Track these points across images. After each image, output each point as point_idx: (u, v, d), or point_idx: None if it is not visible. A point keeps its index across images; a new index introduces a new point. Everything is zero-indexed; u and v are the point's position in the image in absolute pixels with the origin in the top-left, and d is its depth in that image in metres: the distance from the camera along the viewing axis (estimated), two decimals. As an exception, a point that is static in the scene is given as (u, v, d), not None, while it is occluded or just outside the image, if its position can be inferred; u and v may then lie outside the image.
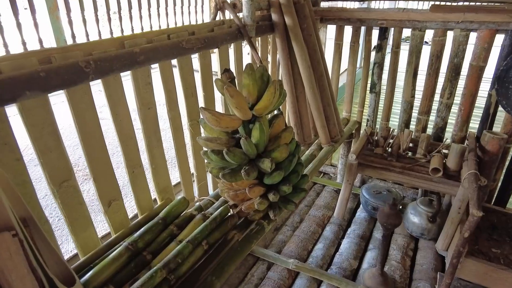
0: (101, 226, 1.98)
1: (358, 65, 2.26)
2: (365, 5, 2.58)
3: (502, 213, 1.71)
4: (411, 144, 1.86)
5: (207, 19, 5.31)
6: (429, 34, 1.85)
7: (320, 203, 2.11)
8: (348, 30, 2.07)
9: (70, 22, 3.24)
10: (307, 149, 1.76)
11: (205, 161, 1.14)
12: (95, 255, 1.06)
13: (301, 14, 1.60)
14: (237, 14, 1.45)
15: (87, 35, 3.48)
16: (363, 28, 2.07)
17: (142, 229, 1.10)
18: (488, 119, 1.76)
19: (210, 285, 0.99)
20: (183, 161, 1.40)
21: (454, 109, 1.85)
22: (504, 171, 1.83)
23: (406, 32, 1.92)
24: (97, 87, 1.06)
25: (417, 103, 1.97)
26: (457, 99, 1.82)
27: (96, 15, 3.48)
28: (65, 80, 0.84)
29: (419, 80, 1.92)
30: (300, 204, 2.12)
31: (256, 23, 1.51)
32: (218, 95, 1.41)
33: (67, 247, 1.84)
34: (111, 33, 3.72)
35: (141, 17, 4.05)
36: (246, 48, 1.99)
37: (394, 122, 2.13)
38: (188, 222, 1.18)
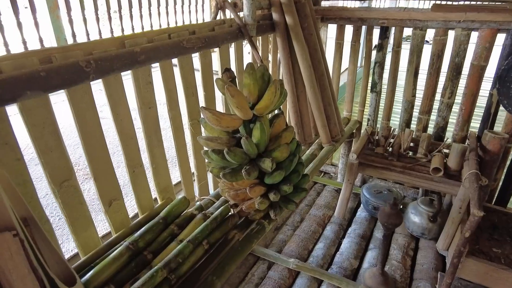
0: (102, 225, 1.98)
1: (358, 64, 2.26)
2: (366, 4, 2.58)
3: (503, 213, 1.71)
4: (412, 144, 1.86)
5: (207, 18, 5.30)
6: (430, 33, 1.84)
7: (320, 202, 2.11)
8: (349, 29, 2.06)
9: (71, 21, 3.24)
10: (308, 148, 1.76)
11: (206, 160, 1.14)
12: (96, 254, 1.06)
13: (302, 13, 1.60)
14: (238, 13, 1.44)
15: (88, 34, 3.47)
16: (364, 27, 2.06)
17: (143, 228, 1.10)
18: (489, 119, 1.76)
19: (210, 285, 0.99)
20: (184, 161, 1.40)
21: (455, 108, 1.85)
22: (505, 170, 1.83)
23: (407, 31, 1.91)
24: (97, 86, 1.05)
25: (418, 102, 1.97)
26: (458, 99, 1.81)
27: (97, 14, 3.48)
28: (66, 80, 0.84)
29: (420, 80, 1.91)
30: (301, 204, 2.12)
31: (257, 22, 1.51)
32: (218, 95, 1.41)
33: (68, 246, 1.84)
34: (112, 32, 3.72)
35: (141, 16, 4.04)
36: (246, 47, 1.99)
37: (395, 121, 2.12)
38: (188, 222, 1.18)
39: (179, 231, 1.15)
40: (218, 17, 1.46)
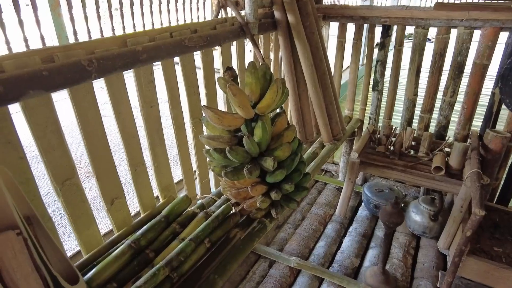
0: (104, 223, 1.99)
1: (360, 63, 2.25)
2: (367, 2, 2.56)
3: (504, 212, 1.71)
4: (413, 143, 1.86)
5: (208, 16, 5.29)
6: (432, 31, 1.84)
7: (322, 201, 2.11)
8: (350, 27, 2.06)
9: (72, 19, 3.23)
10: (309, 147, 1.76)
11: (208, 159, 1.14)
12: (98, 253, 1.06)
13: (304, 12, 1.60)
14: (240, 11, 1.44)
15: (89, 32, 3.47)
16: (365, 26, 2.05)
17: (145, 227, 1.11)
18: (491, 118, 1.76)
19: (212, 283, 1.00)
20: (186, 159, 1.40)
21: (457, 107, 1.84)
22: (506, 169, 1.83)
23: (409, 29, 1.90)
24: (98, 84, 1.05)
25: (419, 101, 1.96)
26: (460, 97, 1.81)
27: (98, 12, 3.47)
28: (68, 79, 0.84)
29: (422, 78, 1.91)
30: (302, 202, 2.12)
31: (259, 21, 1.51)
32: (220, 93, 1.41)
33: (70, 244, 1.85)
34: (113, 30, 3.71)
35: (142, 14, 4.03)
36: (248, 46, 1.99)
37: (397, 120, 2.12)
38: (190, 220, 1.19)
39: (181, 229, 1.15)
40: (219, 16, 1.46)
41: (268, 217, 1.23)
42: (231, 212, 1.23)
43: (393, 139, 1.88)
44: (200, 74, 1.35)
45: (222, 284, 1.02)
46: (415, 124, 2.03)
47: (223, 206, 1.21)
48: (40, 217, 0.76)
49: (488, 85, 1.66)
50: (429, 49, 1.77)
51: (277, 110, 1.22)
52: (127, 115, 1.10)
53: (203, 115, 1.06)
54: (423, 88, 1.91)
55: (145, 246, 1.06)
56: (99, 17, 3.52)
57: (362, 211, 2.03)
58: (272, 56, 1.87)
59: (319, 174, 2.48)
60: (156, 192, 1.32)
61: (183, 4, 4.69)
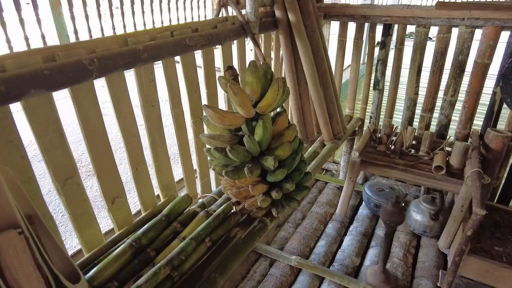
0: (105, 222, 1.99)
1: (361, 62, 2.25)
2: (368, 1, 2.56)
3: (505, 211, 1.71)
4: (414, 142, 1.86)
5: (209, 14, 5.28)
6: (433, 30, 1.83)
7: (322, 200, 2.11)
8: (351, 26, 2.06)
9: (73, 18, 3.23)
10: (310, 146, 1.76)
11: (208, 158, 1.14)
12: (99, 251, 1.07)
13: (305, 11, 1.59)
14: (241, 10, 1.44)
15: (90, 31, 3.47)
16: (366, 25, 2.05)
17: (146, 226, 1.11)
18: (492, 117, 1.75)
19: (213, 282, 1.00)
20: (186, 158, 1.40)
21: (458, 106, 1.84)
22: (507, 169, 1.83)
23: (410, 28, 1.90)
24: (99, 83, 1.05)
25: (420, 100, 1.96)
26: (461, 97, 1.81)
27: (99, 11, 3.47)
28: (69, 78, 0.84)
29: (423, 77, 1.91)
30: (303, 201, 2.12)
31: (260, 20, 1.51)
32: (221, 92, 1.41)
33: (71, 243, 1.85)
34: (114, 28, 3.71)
35: (143, 12, 4.04)
36: (249, 45, 1.99)
37: (397, 119, 2.12)
38: (191, 219, 1.19)
39: (182, 228, 1.15)
40: (220, 15, 1.46)
41: (269, 216, 1.23)
42: (232, 211, 1.23)
43: (394, 138, 1.88)
44: (201, 73, 1.35)
45: (223, 283, 1.03)
46: (416, 123, 2.03)
47: (224, 205, 1.21)
48: (42, 216, 0.76)
49: (489, 84, 1.66)
50: (430, 48, 1.77)
51: (278, 109, 1.22)
52: (128, 114, 1.10)
53: (204, 114, 1.06)
54: (424, 87, 1.91)
55: (146, 245, 1.06)
56: (99, 15, 3.52)
57: (363, 210, 2.03)
58: (273, 55, 1.87)
59: (319, 173, 2.48)
60: (157, 191, 1.32)
61: (184, 2, 4.69)
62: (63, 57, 0.85)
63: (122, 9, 3.72)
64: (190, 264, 1.02)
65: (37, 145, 0.89)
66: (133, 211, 1.26)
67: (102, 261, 0.97)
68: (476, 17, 1.59)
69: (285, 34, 1.60)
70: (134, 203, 2.09)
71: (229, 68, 1.13)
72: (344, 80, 2.33)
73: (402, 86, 1.98)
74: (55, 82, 0.81)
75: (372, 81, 2.11)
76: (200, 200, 1.35)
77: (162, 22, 4.36)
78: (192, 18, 4.88)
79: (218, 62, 1.44)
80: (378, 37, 2.00)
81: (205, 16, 5.18)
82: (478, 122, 1.82)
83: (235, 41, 1.50)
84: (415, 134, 1.86)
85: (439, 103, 1.89)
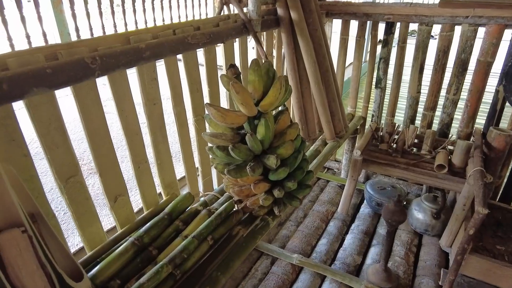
0: (107, 220, 2.00)
1: (363, 60, 2.25)
2: (371, -2, 2.54)
3: (507, 210, 1.70)
4: (416, 140, 1.85)
5: (210, 12, 5.27)
6: (436, 28, 1.82)
7: (324, 198, 2.11)
8: (353, 24, 2.05)
9: (74, 16, 3.23)
10: (312, 144, 1.76)
11: (210, 156, 1.14)
12: (102, 250, 1.07)
13: (307, 9, 1.59)
14: (243, 8, 1.43)
15: (91, 29, 3.47)
16: (369, 23, 2.04)
17: (148, 224, 1.11)
18: (495, 116, 1.75)
19: (215, 281, 1.00)
20: (188, 157, 1.40)
21: (461, 105, 1.83)
22: (510, 168, 1.82)
23: (413, 26, 1.89)
24: (101, 81, 1.05)
25: (423, 98, 1.95)
26: (464, 95, 1.80)
27: (100, 9, 3.47)
28: (71, 77, 0.84)
29: (425, 76, 1.90)
30: (304, 199, 2.12)
31: (262, 18, 1.50)
32: (223, 90, 1.41)
33: (73, 241, 1.86)
34: (115, 26, 3.71)
35: (144, 10, 4.03)
36: (251, 43, 1.98)
37: (400, 117, 2.11)
38: (193, 218, 1.19)
39: (184, 226, 1.15)
40: (222, 13, 1.45)
41: (271, 214, 1.23)
42: (234, 209, 1.23)
43: (396, 136, 1.87)
44: (203, 71, 1.35)
45: (224, 281, 1.03)
46: (418, 122, 2.02)
47: (226, 203, 1.21)
48: (44, 214, 0.76)
49: (492, 82, 1.65)
50: (432, 46, 1.76)
51: (280, 108, 1.22)
52: (130, 113, 1.10)
53: (206, 112, 1.06)
54: (426, 86, 1.90)
55: (148, 243, 1.06)
56: (101, 13, 3.51)
57: (364, 209, 2.03)
58: (274, 53, 1.87)
59: (321, 171, 2.48)
60: (159, 189, 1.32)
61: (185, 0, 4.68)
62: (66, 56, 0.85)
63: (123, 7, 3.72)
64: (192, 262, 1.02)
65: (39, 144, 0.90)
66: (135, 209, 1.26)
67: (105, 259, 0.98)
68: (480, 15, 1.58)
69: (287, 32, 1.60)
70: (136, 201, 2.09)
71: (231, 66, 1.12)
72: (346, 78, 2.33)
73: (404, 84, 1.98)
74: (57, 81, 0.81)
75: (374, 79, 2.11)
76: (202, 199, 1.36)
77: (163, 20, 4.35)
78: (194, 16, 4.87)
79: (220, 60, 1.44)
80: (381, 35, 2.00)
81: (206, 14, 5.17)
82: (480, 120, 1.82)
83: (237, 39, 1.49)
84: (417, 133, 1.85)
85: (441, 101, 1.88)
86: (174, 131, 1.36)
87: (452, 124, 1.93)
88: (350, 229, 1.89)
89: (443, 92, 1.88)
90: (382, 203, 1.89)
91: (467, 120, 1.83)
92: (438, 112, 1.95)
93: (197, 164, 1.48)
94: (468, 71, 1.77)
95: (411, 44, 1.85)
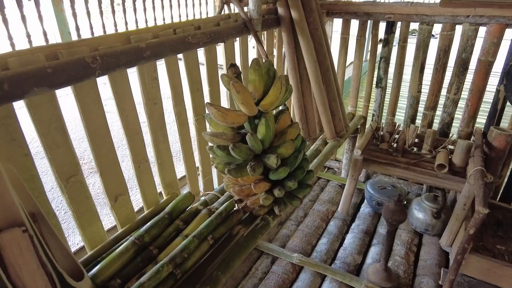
0: (107, 219, 2.00)
1: (364, 59, 2.25)
2: (371, -2, 2.54)
3: (507, 210, 1.70)
4: (416, 140, 1.85)
5: (211, 11, 5.27)
6: (436, 28, 1.82)
7: (324, 197, 2.11)
8: (354, 23, 2.04)
9: (74, 15, 3.23)
10: (312, 144, 1.76)
11: (211, 156, 1.14)
12: (102, 249, 1.07)
13: (308, 8, 1.58)
14: (243, 7, 1.43)
15: (91, 28, 3.46)
16: (369, 22, 2.04)
17: (149, 223, 1.11)
18: (495, 115, 1.75)
19: (215, 280, 1.00)
20: (189, 156, 1.40)
21: (461, 104, 1.83)
22: (510, 167, 1.82)
23: (413, 25, 1.89)
24: (101, 80, 1.05)
25: (423, 98, 1.95)
26: (464, 95, 1.80)
27: (100, 7, 3.46)
28: (72, 76, 0.84)
29: (426, 75, 1.90)
30: (304, 199, 2.12)
31: (262, 17, 1.50)
32: (223, 90, 1.41)
33: (74, 240, 1.86)
34: (115, 25, 3.70)
35: (145, 9, 4.02)
36: (251, 42, 1.98)
37: (400, 117, 2.11)
38: (193, 217, 1.19)
39: (184, 226, 1.15)
40: (223, 12, 1.45)
41: (271, 214, 1.23)
42: (234, 209, 1.23)
43: (396, 136, 1.87)
44: (203, 70, 1.35)
45: (225, 281, 1.03)
46: (418, 121, 2.02)
47: (226, 203, 1.22)
48: (45, 213, 0.76)
49: (493, 82, 1.65)
50: (433, 46, 1.76)
51: (280, 107, 1.22)
52: (131, 112, 1.10)
53: (206, 112, 1.06)
54: (427, 85, 1.90)
55: (148, 243, 1.06)
56: (101, 12, 3.51)
57: (365, 208, 2.03)
58: (275, 52, 1.86)
59: (321, 171, 2.48)
60: (159, 188, 1.32)
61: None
62: (66, 55, 0.85)
63: (124, 6, 3.72)
64: (192, 262, 1.03)
65: (40, 143, 0.90)
66: (136, 209, 1.26)
67: (105, 259, 0.98)
68: (481, 15, 1.58)
69: (287, 31, 1.59)
70: (136, 201, 2.09)
71: (231, 65, 1.12)
72: (346, 77, 2.32)
73: (405, 83, 1.98)
74: (58, 80, 0.81)
75: (374, 79, 2.10)
76: (203, 198, 1.36)
77: (163, 19, 4.35)
78: (194, 15, 4.87)
79: (221, 59, 1.44)
80: (381, 34, 1.99)
81: (207, 13, 5.16)
82: (481, 120, 1.82)
83: (237, 39, 1.49)
84: (418, 132, 1.85)
85: (442, 101, 1.88)
86: (174, 131, 1.36)
87: (453, 124, 1.93)
88: (350, 228, 1.89)
89: (443, 92, 1.88)
90: (383, 202, 1.89)
91: (468, 120, 1.82)
92: (439, 112, 1.94)
93: (197, 164, 1.48)
94: (469, 70, 1.77)
95: (411, 44, 1.85)
